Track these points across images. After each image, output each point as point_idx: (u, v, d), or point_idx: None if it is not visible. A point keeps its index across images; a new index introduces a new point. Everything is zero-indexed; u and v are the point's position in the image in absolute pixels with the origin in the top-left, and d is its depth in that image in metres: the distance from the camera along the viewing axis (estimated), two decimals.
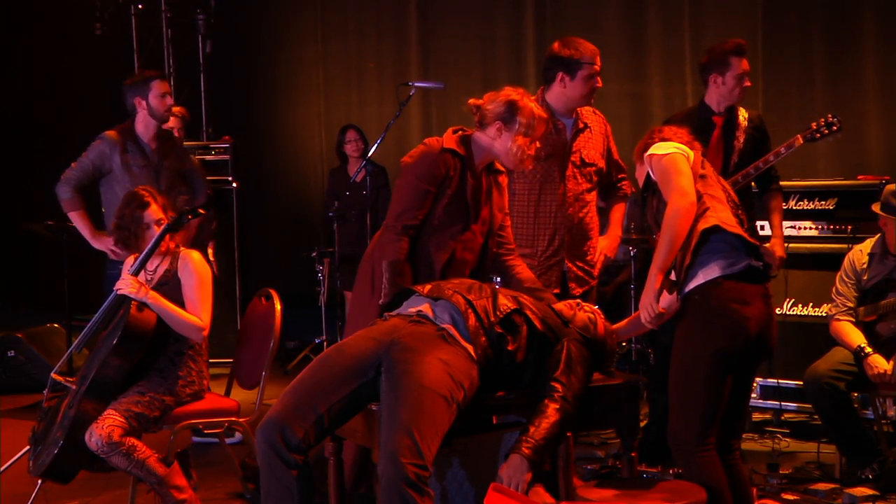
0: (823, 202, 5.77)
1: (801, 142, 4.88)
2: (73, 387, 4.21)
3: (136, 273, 4.30)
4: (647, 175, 3.72)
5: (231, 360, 4.83)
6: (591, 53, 4.59)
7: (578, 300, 3.79)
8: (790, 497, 4.60)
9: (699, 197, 3.58)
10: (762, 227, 5.33)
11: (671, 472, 4.67)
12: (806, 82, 7.15)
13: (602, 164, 4.76)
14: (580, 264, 4.69)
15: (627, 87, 7.79)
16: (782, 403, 5.79)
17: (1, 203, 9.22)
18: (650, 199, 3.73)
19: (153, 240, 4.32)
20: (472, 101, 4.05)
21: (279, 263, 8.95)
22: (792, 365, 5.63)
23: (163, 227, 4.35)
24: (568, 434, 3.51)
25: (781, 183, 5.27)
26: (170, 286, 4.35)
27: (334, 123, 8.60)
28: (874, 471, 4.72)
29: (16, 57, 9.43)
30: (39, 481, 4.37)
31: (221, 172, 7.81)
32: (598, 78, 4.62)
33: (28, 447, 4.36)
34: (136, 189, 4.54)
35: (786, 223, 5.45)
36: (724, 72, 4.92)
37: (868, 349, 4.77)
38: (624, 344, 6.53)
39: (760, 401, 5.82)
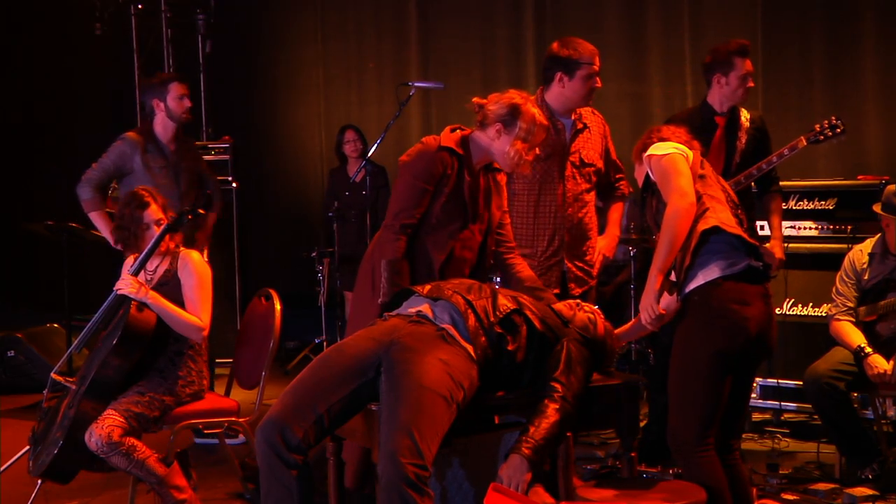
0: (823, 202, 5.77)
1: (805, 143, 4.88)
2: (73, 387, 4.21)
3: (135, 273, 4.31)
4: (647, 175, 3.72)
5: (231, 360, 4.83)
6: (589, 53, 4.59)
7: (578, 300, 3.79)
8: (790, 497, 4.60)
9: (699, 197, 3.57)
10: (762, 228, 5.34)
11: (671, 472, 4.67)
12: (805, 82, 7.15)
13: (601, 164, 4.76)
14: (579, 264, 4.69)
15: (627, 87, 7.78)
16: (782, 403, 5.79)
17: (1, 203, 9.22)
18: (649, 199, 3.73)
19: (153, 240, 4.32)
20: (475, 99, 4.05)
21: (279, 263, 8.95)
22: (792, 365, 5.63)
23: (162, 227, 4.35)
24: (568, 434, 3.51)
25: (781, 183, 5.27)
26: (170, 286, 4.35)
27: (334, 123, 8.60)
28: (874, 471, 4.73)
29: (16, 57, 9.42)
30: (39, 481, 4.37)
31: (221, 172, 7.78)
32: (598, 78, 4.62)
33: (28, 447, 4.36)
34: (135, 189, 4.55)
35: (786, 223, 5.45)
36: (728, 72, 4.92)
37: (868, 349, 4.77)
38: (624, 344, 6.53)
39: (760, 401, 5.83)
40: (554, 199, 4.61)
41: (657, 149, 3.65)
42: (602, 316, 3.65)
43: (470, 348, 3.34)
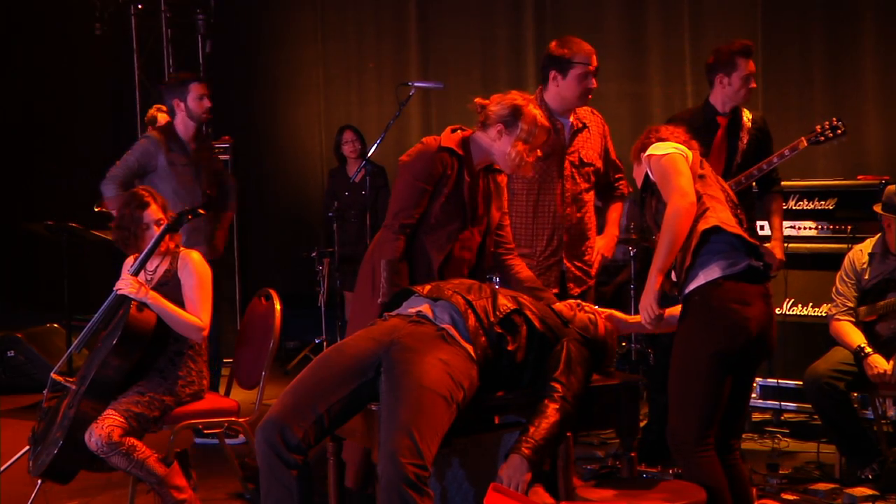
0: (823, 202, 5.77)
1: (806, 144, 4.88)
2: (73, 387, 4.21)
3: (135, 273, 4.31)
4: (646, 175, 3.71)
5: (231, 360, 4.83)
6: (584, 53, 4.58)
7: (579, 301, 3.79)
8: (790, 497, 4.60)
9: (699, 197, 3.57)
10: (762, 228, 5.34)
11: (671, 472, 4.67)
12: (805, 82, 7.14)
13: (600, 164, 4.75)
14: (578, 264, 4.69)
15: (627, 87, 7.78)
16: (782, 403, 5.79)
17: (1, 203, 9.22)
18: (649, 199, 3.72)
19: (153, 240, 4.32)
20: (477, 100, 4.06)
21: (279, 263, 8.95)
22: (792, 365, 5.63)
23: (162, 227, 4.35)
24: (568, 434, 3.51)
25: (782, 183, 5.27)
26: (170, 286, 4.36)
27: (334, 123, 8.59)
28: (874, 471, 4.72)
29: (16, 57, 9.43)
30: (39, 481, 4.36)
31: None
32: (594, 78, 4.61)
33: (28, 447, 4.36)
34: (135, 189, 4.56)
35: (786, 223, 5.45)
36: (731, 73, 4.91)
37: (868, 349, 4.77)
38: (624, 344, 6.54)
39: (760, 401, 5.83)
40: (553, 199, 4.61)
41: (656, 149, 3.64)
42: (602, 316, 3.65)
43: (470, 348, 3.34)
